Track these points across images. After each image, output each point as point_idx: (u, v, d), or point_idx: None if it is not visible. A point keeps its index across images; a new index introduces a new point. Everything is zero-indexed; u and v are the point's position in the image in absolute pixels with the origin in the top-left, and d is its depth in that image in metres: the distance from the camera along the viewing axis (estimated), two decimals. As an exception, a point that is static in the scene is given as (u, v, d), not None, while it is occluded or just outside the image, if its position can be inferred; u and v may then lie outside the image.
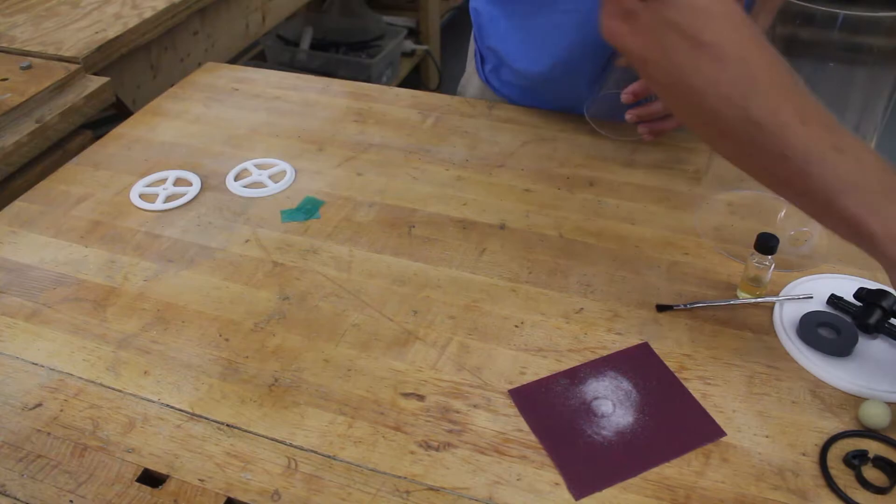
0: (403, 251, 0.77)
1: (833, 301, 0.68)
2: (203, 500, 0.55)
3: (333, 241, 0.79)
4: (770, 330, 0.67)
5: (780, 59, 0.54)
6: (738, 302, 0.70)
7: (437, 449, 0.58)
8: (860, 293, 0.66)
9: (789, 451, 0.57)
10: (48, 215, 0.83)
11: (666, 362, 0.64)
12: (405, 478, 0.56)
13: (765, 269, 0.68)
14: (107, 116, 1.21)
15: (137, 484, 0.56)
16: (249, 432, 0.59)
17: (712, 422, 0.59)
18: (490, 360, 0.65)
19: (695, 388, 0.62)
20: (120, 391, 0.63)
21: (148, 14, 1.25)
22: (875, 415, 0.58)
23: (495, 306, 0.70)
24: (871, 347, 0.65)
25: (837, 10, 0.61)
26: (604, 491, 0.55)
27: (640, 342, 0.66)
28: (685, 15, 0.54)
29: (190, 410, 0.61)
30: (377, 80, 2.31)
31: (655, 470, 0.56)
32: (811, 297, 0.69)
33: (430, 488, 0.55)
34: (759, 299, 0.69)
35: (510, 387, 0.62)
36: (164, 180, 0.88)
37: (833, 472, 0.55)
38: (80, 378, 0.64)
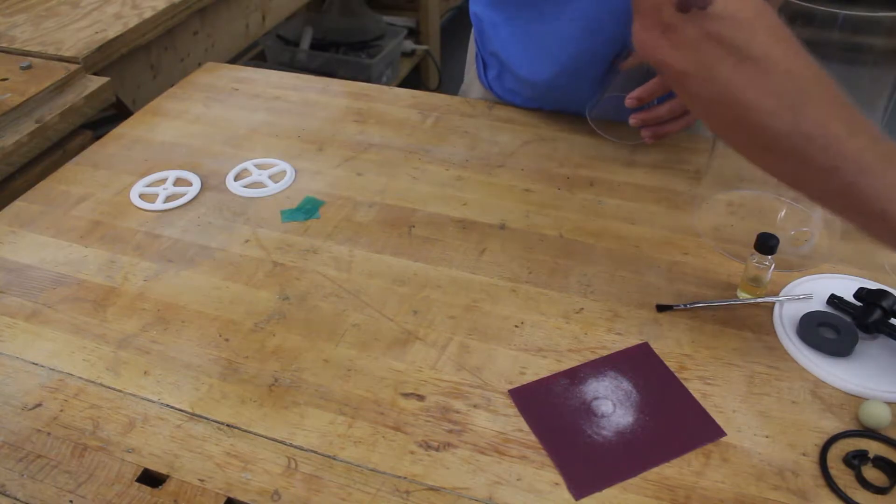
0: (403, 251, 0.77)
1: (833, 301, 0.68)
2: (203, 500, 0.55)
3: (333, 241, 0.79)
4: (770, 330, 0.67)
5: (824, 71, 0.53)
6: (738, 302, 0.70)
7: (437, 449, 0.58)
8: (860, 293, 0.66)
9: (789, 451, 0.57)
10: (48, 215, 0.83)
11: (666, 362, 0.64)
12: (405, 478, 0.56)
13: (765, 269, 0.68)
14: (107, 116, 1.21)
15: (137, 484, 0.56)
16: (249, 432, 0.59)
17: (712, 422, 0.59)
18: (490, 360, 0.65)
19: (695, 388, 0.62)
20: (120, 391, 0.63)
21: (148, 14, 1.25)
22: (875, 415, 0.58)
23: (495, 306, 0.70)
24: (871, 347, 0.65)
25: (837, 10, 0.61)
26: (604, 491, 0.55)
27: (640, 342, 0.66)
28: (729, 27, 0.52)
29: (190, 410, 0.61)
30: (377, 80, 2.31)
31: (655, 470, 0.56)
32: (811, 297, 0.69)
33: (430, 488, 0.55)
34: (759, 299, 0.69)
35: (510, 387, 0.62)
36: (164, 180, 0.88)
37: (833, 472, 0.55)
38: (80, 378, 0.64)
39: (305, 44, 2.36)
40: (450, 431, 0.59)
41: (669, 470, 0.56)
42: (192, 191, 0.86)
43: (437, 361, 0.65)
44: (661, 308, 0.69)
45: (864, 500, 0.54)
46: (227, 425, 0.60)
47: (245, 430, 0.59)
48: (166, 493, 0.55)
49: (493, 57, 0.98)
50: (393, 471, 0.56)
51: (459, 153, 0.92)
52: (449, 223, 0.81)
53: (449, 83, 2.79)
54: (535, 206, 0.83)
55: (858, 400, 0.60)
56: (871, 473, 0.56)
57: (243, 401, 0.62)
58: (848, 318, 0.66)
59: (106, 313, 0.70)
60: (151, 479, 0.57)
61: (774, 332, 0.67)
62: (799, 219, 0.80)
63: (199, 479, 0.56)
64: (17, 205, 0.85)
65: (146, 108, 1.04)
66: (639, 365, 0.64)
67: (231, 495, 0.55)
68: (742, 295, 0.70)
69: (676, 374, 0.63)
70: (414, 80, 2.68)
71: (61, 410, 0.61)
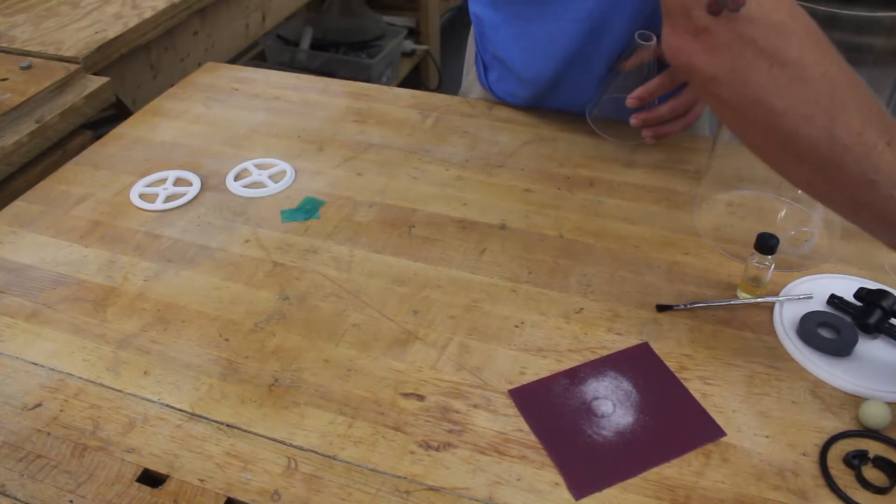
0: (403, 251, 0.77)
1: (833, 301, 0.68)
2: (203, 500, 0.55)
3: (333, 241, 0.79)
4: (770, 330, 0.67)
5: (859, 78, 0.52)
6: (738, 302, 0.70)
7: (437, 449, 0.58)
8: (860, 293, 0.66)
9: (789, 451, 0.57)
10: (48, 215, 0.83)
11: (666, 362, 0.64)
12: (405, 478, 0.56)
13: (765, 269, 0.68)
14: (107, 116, 1.21)
15: (137, 484, 0.56)
16: (249, 432, 0.59)
17: (712, 422, 0.59)
18: (490, 360, 0.65)
19: (695, 388, 0.62)
20: (120, 391, 0.63)
21: (148, 14, 1.25)
22: (875, 415, 0.58)
23: (495, 306, 0.70)
24: (871, 347, 0.65)
25: (837, 10, 0.61)
26: (604, 491, 0.55)
27: (640, 342, 0.66)
28: (763, 31, 0.51)
29: (190, 410, 0.61)
30: (377, 80, 2.31)
31: (655, 470, 0.56)
32: (811, 297, 0.69)
33: (430, 488, 0.55)
34: (759, 299, 0.69)
35: (510, 387, 0.62)
36: (164, 180, 0.88)
37: (833, 472, 0.55)
38: (80, 378, 0.64)
39: (305, 44, 2.36)
40: (450, 431, 0.59)
41: (669, 470, 0.56)
42: (192, 191, 0.86)
43: (437, 361, 0.65)
44: (661, 308, 0.69)
45: (864, 500, 0.54)
46: (227, 425, 0.60)
47: (245, 430, 0.59)
48: (166, 493, 0.55)
49: (495, 60, 0.97)
50: (393, 471, 0.56)
51: (459, 153, 0.92)
52: (449, 223, 0.81)
53: (449, 83, 2.79)
54: (535, 206, 0.83)
55: (858, 400, 0.60)
56: (871, 473, 0.56)
57: (243, 401, 0.62)
58: (848, 318, 0.66)
59: (106, 313, 0.70)
60: (151, 479, 0.57)
61: (774, 332, 0.67)
62: (799, 219, 0.80)
63: (199, 479, 0.56)
64: (17, 205, 0.85)
65: (146, 108, 1.04)
66: (639, 365, 0.64)
67: (231, 495, 0.55)
68: (742, 295, 0.70)
69: (676, 374, 0.63)
70: (414, 80, 2.68)
71: (61, 410, 0.61)
